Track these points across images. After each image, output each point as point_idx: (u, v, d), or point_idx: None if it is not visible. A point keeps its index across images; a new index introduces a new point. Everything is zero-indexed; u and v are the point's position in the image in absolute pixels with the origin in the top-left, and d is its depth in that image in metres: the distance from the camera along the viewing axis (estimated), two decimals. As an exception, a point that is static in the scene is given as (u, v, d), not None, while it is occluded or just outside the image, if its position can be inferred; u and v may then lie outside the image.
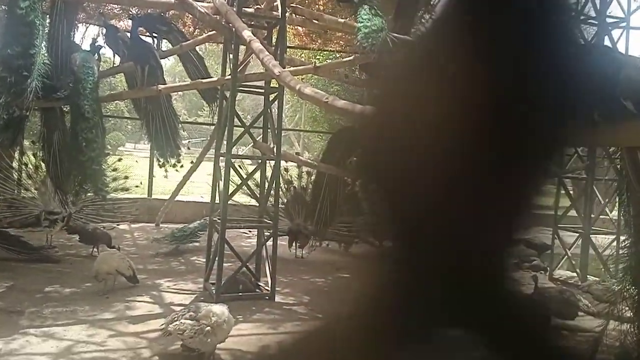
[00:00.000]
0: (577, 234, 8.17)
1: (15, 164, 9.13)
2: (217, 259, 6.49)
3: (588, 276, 7.89)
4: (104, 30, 8.85)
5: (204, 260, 7.36)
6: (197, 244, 8.85)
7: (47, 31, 7.51)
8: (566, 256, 8.32)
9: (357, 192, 9.29)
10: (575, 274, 8.12)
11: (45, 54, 7.23)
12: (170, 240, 8.86)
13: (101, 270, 6.41)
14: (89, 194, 8.18)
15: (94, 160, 7.14)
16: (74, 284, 6.66)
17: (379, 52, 7.25)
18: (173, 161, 8.97)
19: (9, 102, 6.71)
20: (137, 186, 9.60)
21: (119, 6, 11.07)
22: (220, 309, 4.78)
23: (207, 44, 18.67)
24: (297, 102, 20.04)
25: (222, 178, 6.75)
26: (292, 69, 7.28)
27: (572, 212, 8.38)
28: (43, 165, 8.88)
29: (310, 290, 7.08)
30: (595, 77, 2.98)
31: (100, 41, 8.65)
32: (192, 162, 9.53)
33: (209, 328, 4.62)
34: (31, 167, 9.05)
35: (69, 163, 7.61)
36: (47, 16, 7.80)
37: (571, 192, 8.62)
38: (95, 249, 8.09)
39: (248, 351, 4.98)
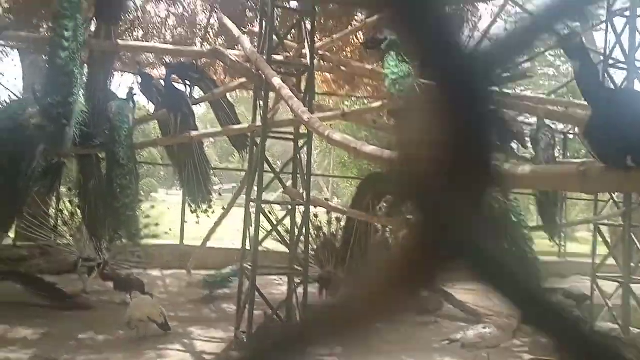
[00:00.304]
0: (617, 284, 7.83)
1: (51, 211, 9.34)
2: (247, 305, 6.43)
3: (631, 328, 7.52)
4: (139, 79, 9.13)
5: (235, 307, 7.30)
6: (227, 290, 8.81)
7: (85, 80, 7.76)
8: (606, 307, 7.94)
9: (387, 239, 9.22)
10: (616, 326, 7.74)
11: (83, 103, 7.44)
12: (202, 286, 8.88)
13: (134, 317, 6.42)
14: (123, 241, 8.28)
15: (127, 206, 7.26)
16: (107, 331, 6.68)
17: (407, 99, 7.30)
18: (205, 207, 9.06)
19: (48, 150, 6.91)
20: (166, 233, 9.68)
21: (153, 55, 11.44)
22: None
23: (237, 91, 19.16)
24: (326, 148, 20.17)
25: (253, 224, 6.77)
26: (320, 115, 7.37)
27: (611, 261, 8.09)
28: (79, 212, 9.08)
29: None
30: (628, 121, 2.92)
31: (136, 89, 8.92)
32: (223, 207, 9.59)
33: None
34: (67, 214, 9.25)
35: (103, 209, 7.74)
36: (85, 66, 8.11)
37: (608, 240, 8.35)
38: (129, 296, 8.12)
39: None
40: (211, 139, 21.54)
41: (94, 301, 8.10)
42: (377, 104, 8.24)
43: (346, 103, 12.54)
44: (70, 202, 9.35)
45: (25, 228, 8.85)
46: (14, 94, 11.28)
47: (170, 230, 9.87)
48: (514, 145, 7.88)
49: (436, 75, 0.50)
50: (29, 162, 7.09)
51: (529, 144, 7.80)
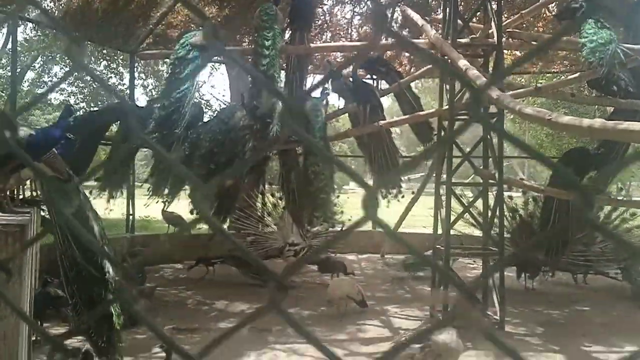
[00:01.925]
0: None
1: (258, 204, 10.41)
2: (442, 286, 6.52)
3: None
4: (330, 78, 9.70)
5: (429, 288, 7.42)
6: (421, 273, 8.95)
7: (283, 82, 8.53)
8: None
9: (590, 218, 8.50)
10: None
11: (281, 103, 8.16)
12: (402, 268, 9.20)
13: (334, 296, 6.91)
14: (321, 226, 8.92)
15: (321, 190, 7.78)
16: (311, 308, 7.28)
17: (609, 66, 6.69)
18: (394, 192, 9.32)
19: (255, 147, 7.72)
20: (349, 220, 10.14)
21: (342, 54, 12.04)
22: (448, 333, 4.79)
23: (422, 82, 19.18)
24: (519, 129, 19.16)
25: (444, 206, 6.81)
26: (511, 92, 7.12)
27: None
28: (281, 202, 10.00)
29: (544, 322, 6.62)
30: None
31: (328, 88, 9.51)
32: (412, 192, 9.77)
33: (438, 351, 4.67)
34: (270, 205, 10.26)
35: (301, 196, 8.41)
36: (284, 70, 8.92)
37: None
38: (330, 277, 8.70)
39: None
40: (397, 131, 21.80)
41: (297, 282, 8.84)
42: (575, 75, 7.66)
43: (540, 81, 11.81)
44: (272, 194, 10.35)
45: (235, 220, 10.03)
46: (223, 103, 12.80)
47: (350, 218, 10.32)
48: None
49: None
50: (241, 159, 8.02)
51: None
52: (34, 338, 4.50)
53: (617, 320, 6.98)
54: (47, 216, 4.66)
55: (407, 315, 7.07)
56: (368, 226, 11.86)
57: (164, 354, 4.89)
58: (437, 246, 6.92)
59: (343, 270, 8.52)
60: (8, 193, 4.40)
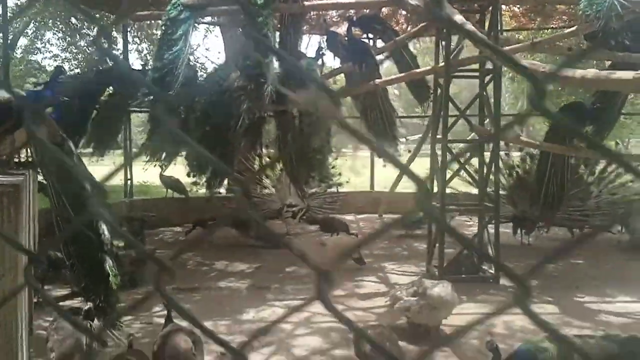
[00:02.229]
0: None
1: (255, 167, 10.42)
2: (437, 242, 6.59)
3: None
4: (325, 37, 9.59)
5: (426, 246, 7.51)
6: (418, 231, 9.02)
7: (277, 42, 8.41)
8: None
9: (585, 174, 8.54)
10: None
11: (277, 63, 8.08)
12: (400, 226, 9.29)
13: (332, 254, 7.00)
14: (319, 187, 8.96)
15: (317, 150, 7.79)
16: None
17: (606, 19, 6.60)
18: (391, 151, 9.31)
19: (250, 107, 7.67)
20: (347, 182, 10.18)
21: (337, 13, 11.85)
22: (443, 286, 4.87)
23: (420, 42, 18.92)
24: (517, 88, 19.03)
25: (439, 164, 6.83)
26: (508, 48, 7.04)
27: None
28: (278, 165, 10.03)
29: (538, 275, 6.73)
30: None
31: (323, 48, 9.39)
32: (409, 151, 9.78)
33: (433, 304, 4.75)
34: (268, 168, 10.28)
35: (298, 158, 8.41)
36: (278, 30, 8.78)
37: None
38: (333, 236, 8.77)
39: (473, 328, 4.97)
40: (396, 92, 21.65)
41: (296, 242, 8.94)
42: (571, 28, 7.56)
43: (538, 36, 11.66)
44: (269, 157, 10.35)
45: (232, 182, 10.05)
46: (218, 66, 12.66)
47: (348, 180, 10.37)
48: None
49: None
50: (236, 119, 7.98)
51: None
52: (35, 300, 4.58)
53: (610, 273, 7.09)
54: (43, 180, 4.68)
55: (403, 271, 7.18)
56: (366, 187, 11.94)
57: (164, 313, 5.00)
58: (433, 203, 6.95)
59: (346, 230, 8.58)
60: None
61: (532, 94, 0.68)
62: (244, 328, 5.22)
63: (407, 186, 11.40)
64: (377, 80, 8.42)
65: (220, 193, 10.23)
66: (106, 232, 4.52)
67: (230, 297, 6.26)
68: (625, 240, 8.39)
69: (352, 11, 10.74)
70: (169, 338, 3.86)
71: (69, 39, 19.38)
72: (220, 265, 7.72)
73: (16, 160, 4.84)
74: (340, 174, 10.10)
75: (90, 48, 18.79)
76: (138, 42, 18.91)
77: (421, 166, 9.37)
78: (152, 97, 7.69)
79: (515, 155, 9.24)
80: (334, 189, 9.75)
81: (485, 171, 7.06)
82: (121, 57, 12.28)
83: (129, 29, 14.60)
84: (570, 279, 6.63)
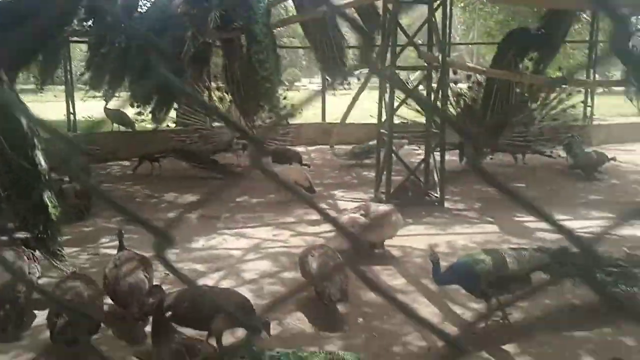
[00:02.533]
0: None
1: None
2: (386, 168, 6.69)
3: None
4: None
5: (374, 174, 7.60)
6: (367, 161, 9.11)
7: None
8: None
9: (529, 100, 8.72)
10: None
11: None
12: (349, 156, 9.36)
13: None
14: (267, 115, 8.87)
15: (266, 79, 7.62)
16: (260, 195, 7.39)
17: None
18: (341, 79, 9.25)
19: (194, 33, 7.38)
20: (299, 113, 10.11)
21: None
22: (388, 207, 5.00)
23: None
24: (468, 18, 18.97)
25: (388, 92, 6.82)
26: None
27: None
28: (227, 95, 9.82)
29: (482, 198, 6.97)
30: None
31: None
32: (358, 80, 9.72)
33: (378, 222, 4.89)
34: (216, 99, 10.06)
35: (246, 86, 8.24)
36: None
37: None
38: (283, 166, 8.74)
39: (417, 248, 5.16)
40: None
41: (247, 172, 8.89)
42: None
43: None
44: (217, 88, 10.11)
45: (182, 115, 9.82)
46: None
47: (301, 111, 10.28)
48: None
49: None
50: (181, 46, 7.68)
51: None
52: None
53: (551, 194, 7.41)
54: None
55: (352, 198, 7.30)
56: (318, 119, 11.90)
57: (112, 244, 4.96)
58: (381, 130, 7.00)
59: (298, 161, 8.57)
60: None
61: None
62: (194, 256, 5.24)
63: (360, 118, 11.45)
64: (326, 6, 8.21)
65: (168, 126, 10.01)
66: (43, 163, 4.38)
67: (180, 226, 6.22)
68: (566, 165, 8.71)
69: None
70: (120, 260, 3.88)
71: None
72: (169, 197, 7.63)
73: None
74: (292, 105, 9.97)
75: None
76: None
77: (371, 98, 9.37)
78: (89, 25, 7.33)
79: (464, 86, 9.33)
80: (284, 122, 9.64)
81: (432, 98, 7.10)
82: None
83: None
84: (512, 201, 6.87)
